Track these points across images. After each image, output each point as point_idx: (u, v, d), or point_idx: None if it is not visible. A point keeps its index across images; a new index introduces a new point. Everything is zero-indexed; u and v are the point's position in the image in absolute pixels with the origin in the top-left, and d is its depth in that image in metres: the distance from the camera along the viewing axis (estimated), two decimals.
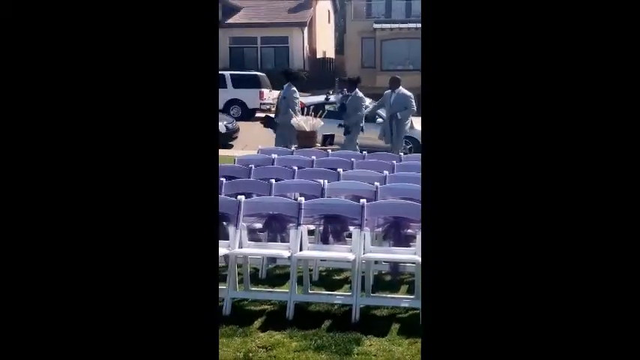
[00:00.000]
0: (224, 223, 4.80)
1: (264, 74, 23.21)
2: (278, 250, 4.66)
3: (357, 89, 9.98)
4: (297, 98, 9.23)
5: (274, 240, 4.78)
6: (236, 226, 4.64)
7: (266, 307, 4.51)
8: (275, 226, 4.77)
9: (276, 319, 4.23)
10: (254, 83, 21.77)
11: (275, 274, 5.26)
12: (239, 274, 4.67)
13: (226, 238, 4.68)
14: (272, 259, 5.15)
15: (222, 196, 5.14)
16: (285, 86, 9.64)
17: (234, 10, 29.96)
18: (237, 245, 4.61)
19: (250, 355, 3.69)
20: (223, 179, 5.57)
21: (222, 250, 4.57)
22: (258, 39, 29.53)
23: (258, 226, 4.87)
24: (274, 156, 6.89)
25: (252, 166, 6.27)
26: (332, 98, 12.02)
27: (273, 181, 5.54)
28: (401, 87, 9.80)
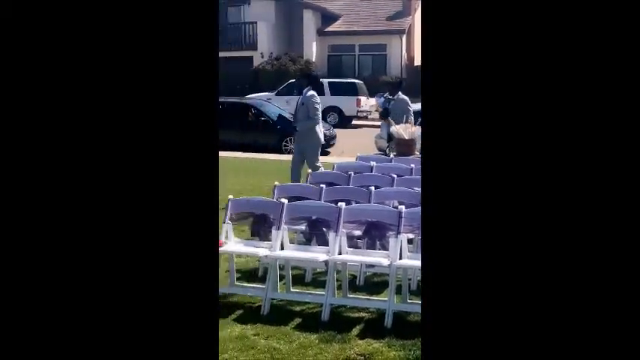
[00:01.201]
0: (324, 229, 4.84)
1: (361, 82, 23.33)
2: (377, 257, 4.64)
3: (399, 92, 9.37)
4: (318, 103, 8.24)
5: (373, 247, 4.78)
6: (336, 232, 4.66)
7: (364, 314, 4.50)
8: (374, 234, 4.77)
9: (374, 327, 4.22)
10: (351, 90, 21.93)
11: (372, 282, 5.25)
12: (337, 280, 4.68)
13: (326, 244, 4.72)
14: (370, 267, 5.14)
15: (322, 202, 5.19)
16: (304, 91, 8.34)
17: (333, 18, 30.24)
18: (336, 252, 4.62)
19: None
20: (323, 185, 5.61)
21: (321, 256, 4.61)
22: (356, 47, 29.66)
23: (358, 233, 4.87)
24: (373, 163, 6.88)
25: (351, 173, 6.28)
26: None
27: (372, 188, 5.53)
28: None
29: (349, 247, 4.80)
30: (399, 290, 4.56)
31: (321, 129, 8.39)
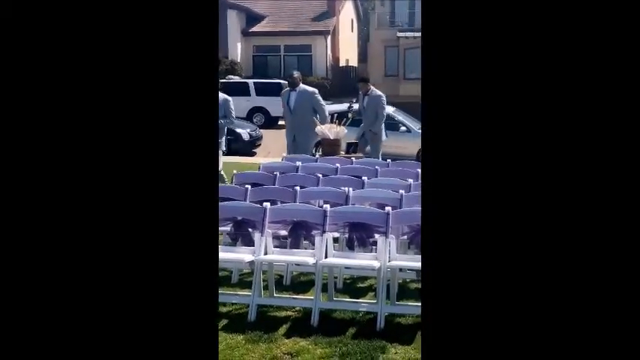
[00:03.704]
0: (249, 229, 4.83)
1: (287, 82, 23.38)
2: (303, 257, 4.67)
3: (372, 87, 9.32)
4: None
5: (299, 247, 4.81)
6: (261, 232, 4.66)
7: (290, 313, 4.52)
8: (300, 233, 4.80)
9: (300, 326, 4.24)
10: (277, 91, 21.86)
11: (299, 281, 5.28)
12: (263, 280, 4.69)
13: (251, 244, 4.71)
14: (296, 266, 5.17)
15: (247, 203, 5.18)
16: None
17: (257, 18, 30.14)
18: (262, 252, 4.63)
19: None
20: (248, 186, 5.60)
21: (247, 257, 4.60)
22: (281, 47, 29.67)
23: (283, 233, 4.89)
24: (298, 163, 6.91)
25: (277, 173, 6.29)
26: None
27: (297, 188, 5.56)
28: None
29: (275, 247, 4.82)
30: (325, 288, 4.61)
31: None
